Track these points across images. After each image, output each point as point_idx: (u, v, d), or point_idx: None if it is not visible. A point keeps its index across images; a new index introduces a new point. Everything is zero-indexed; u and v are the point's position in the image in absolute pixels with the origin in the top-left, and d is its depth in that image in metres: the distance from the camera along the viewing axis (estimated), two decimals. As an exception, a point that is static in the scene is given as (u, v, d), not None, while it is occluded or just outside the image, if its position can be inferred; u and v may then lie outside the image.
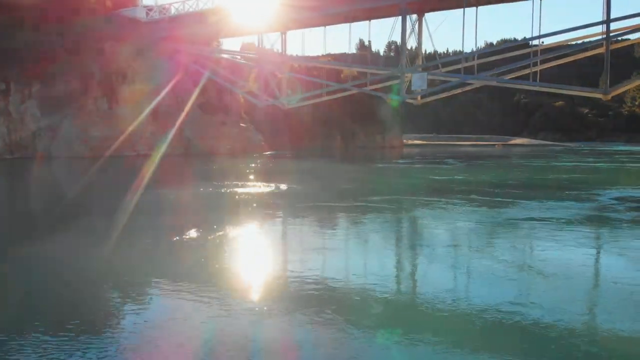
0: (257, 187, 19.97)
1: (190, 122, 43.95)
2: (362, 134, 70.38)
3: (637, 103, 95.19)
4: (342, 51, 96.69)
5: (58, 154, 37.19)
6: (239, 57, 48.40)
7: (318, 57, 50.98)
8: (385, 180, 24.74)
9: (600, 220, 12.88)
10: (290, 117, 64.21)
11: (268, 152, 47.92)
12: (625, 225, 12.40)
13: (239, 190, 19.00)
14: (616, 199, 16.69)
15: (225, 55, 49.85)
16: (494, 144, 77.44)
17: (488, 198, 16.89)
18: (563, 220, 12.52)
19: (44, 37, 38.01)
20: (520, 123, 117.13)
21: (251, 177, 24.81)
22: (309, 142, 66.88)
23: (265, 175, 26.04)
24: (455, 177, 25.63)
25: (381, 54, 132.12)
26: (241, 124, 48.17)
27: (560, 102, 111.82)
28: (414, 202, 16.08)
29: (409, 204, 15.73)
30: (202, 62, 45.30)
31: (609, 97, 31.74)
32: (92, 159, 37.34)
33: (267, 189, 19.43)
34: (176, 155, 42.16)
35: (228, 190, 19.02)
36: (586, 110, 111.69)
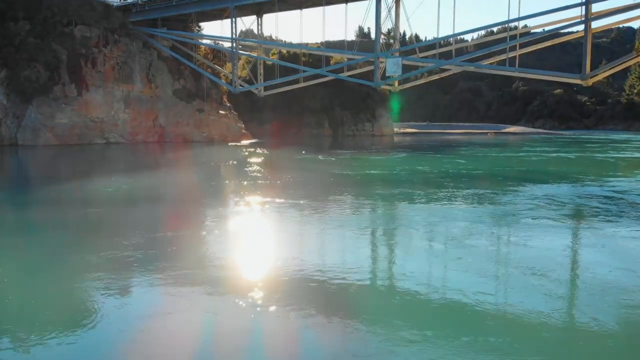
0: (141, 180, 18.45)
1: (164, 109, 42.84)
2: (352, 122, 69.01)
3: (635, 91, 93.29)
4: (340, 38, 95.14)
5: (24, 142, 36.20)
6: (217, 42, 47.15)
7: (308, 43, 49.76)
8: (289, 170, 22.21)
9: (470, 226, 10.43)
10: (278, 105, 63.01)
11: (248, 141, 46.64)
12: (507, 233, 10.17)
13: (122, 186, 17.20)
14: (533, 197, 14.20)
15: (205, 41, 48.64)
16: (487, 132, 76.02)
17: (358, 200, 14.22)
18: (416, 228, 10.37)
19: (11, 22, 36.83)
20: (518, 111, 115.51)
21: (164, 168, 23.52)
22: (296, 131, 65.69)
23: (183, 166, 24.84)
24: (371, 171, 22.56)
25: (381, 40, 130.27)
26: (220, 111, 46.92)
27: (559, 90, 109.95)
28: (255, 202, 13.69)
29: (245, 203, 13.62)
30: (179, 48, 44.13)
31: (590, 82, 30.40)
32: (59, 146, 36.44)
33: (148, 181, 18.03)
34: (149, 143, 41.19)
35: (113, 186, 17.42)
36: (585, 99, 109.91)
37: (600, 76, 30.72)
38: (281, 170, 22.30)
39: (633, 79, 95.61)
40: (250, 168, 23.19)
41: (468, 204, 13.46)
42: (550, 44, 31.71)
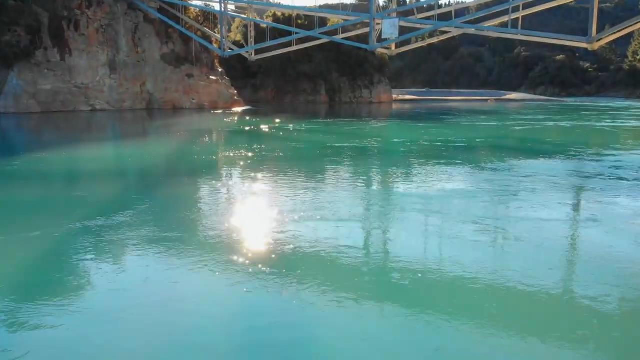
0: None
1: (152, 75, 41.24)
2: (349, 89, 67.12)
3: (638, 58, 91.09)
4: (337, 1, 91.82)
5: (6, 110, 34.78)
6: (208, 4, 45.16)
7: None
8: (250, 141, 20.90)
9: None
10: (274, 70, 61.22)
11: (240, 108, 45.16)
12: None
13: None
14: (514, 174, 12.67)
15: (194, 2, 46.69)
16: (487, 99, 74.38)
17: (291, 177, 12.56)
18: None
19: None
20: (519, 77, 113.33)
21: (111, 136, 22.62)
22: (292, 98, 64.01)
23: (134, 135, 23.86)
24: (335, 143, 20.17)
25: (381, 3, 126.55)
26: (211, 77, 45.28)
27: (562, 56, 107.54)
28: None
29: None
30: (166, 10, 42.24)
31: (596, 46, 29.01)
32: (42, 114, 35.05)
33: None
34: (136, 110, 39.77)
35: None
36: (587, 65, 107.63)
37: (607, 39, 29.21)
38: (243, 141, 21.09)
39: (636, 44, 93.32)
40: (210, 139, 22.25)
41: (422, 182, 11.94)
42: (554, 5, 30.07)
